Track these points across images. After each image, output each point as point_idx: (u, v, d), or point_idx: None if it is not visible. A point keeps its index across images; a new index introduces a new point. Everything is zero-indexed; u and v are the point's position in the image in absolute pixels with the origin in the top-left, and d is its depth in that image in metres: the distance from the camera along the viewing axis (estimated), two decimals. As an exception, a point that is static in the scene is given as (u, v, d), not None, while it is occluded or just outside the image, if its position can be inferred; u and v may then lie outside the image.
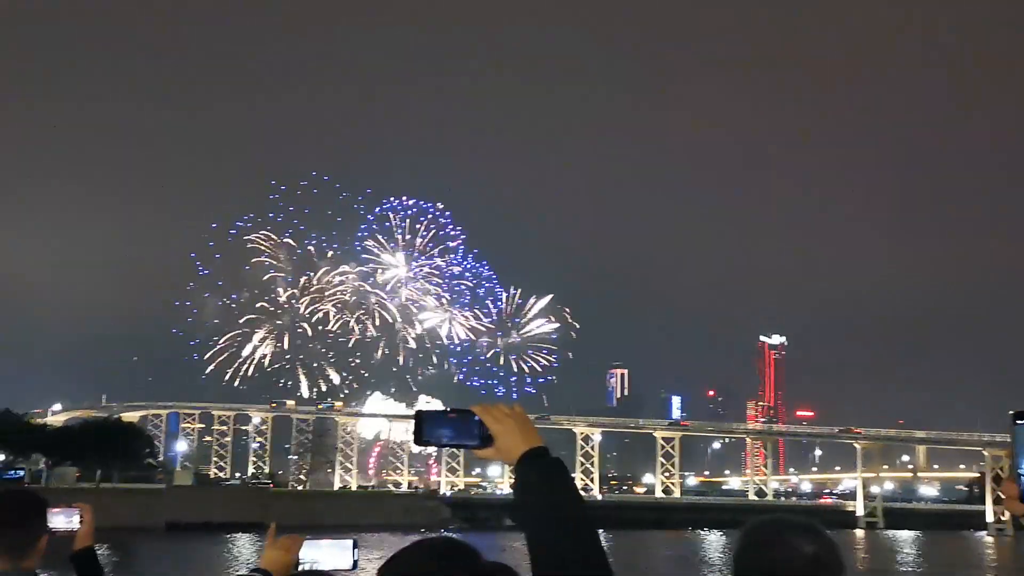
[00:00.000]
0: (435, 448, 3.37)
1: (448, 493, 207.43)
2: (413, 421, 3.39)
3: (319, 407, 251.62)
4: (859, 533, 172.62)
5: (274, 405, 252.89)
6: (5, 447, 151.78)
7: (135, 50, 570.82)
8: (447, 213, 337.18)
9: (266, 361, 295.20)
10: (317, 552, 4.71)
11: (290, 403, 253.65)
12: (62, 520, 5.92)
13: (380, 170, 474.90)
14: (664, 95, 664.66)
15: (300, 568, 4.64)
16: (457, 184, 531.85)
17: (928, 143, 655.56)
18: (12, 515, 5.43)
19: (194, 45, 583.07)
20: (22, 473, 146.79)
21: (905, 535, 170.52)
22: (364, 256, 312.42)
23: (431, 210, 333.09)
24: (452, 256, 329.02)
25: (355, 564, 4.73)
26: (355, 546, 4.77)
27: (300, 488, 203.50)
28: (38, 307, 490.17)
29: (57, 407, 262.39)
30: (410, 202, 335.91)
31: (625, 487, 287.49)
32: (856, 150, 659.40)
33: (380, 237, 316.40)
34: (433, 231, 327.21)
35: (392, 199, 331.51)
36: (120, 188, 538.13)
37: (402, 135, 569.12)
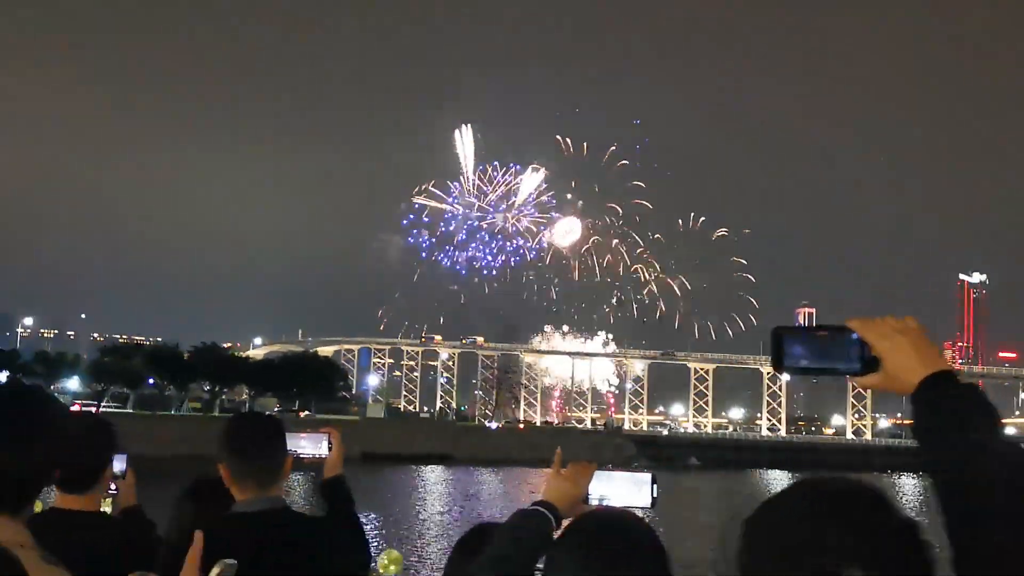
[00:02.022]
0: (791, 376, 2.52)
1: (630, 430, 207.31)
2: (771, 342, 2.46)
3: (463, 341, 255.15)
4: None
5: (423, 339, 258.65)
6: (211, 378, 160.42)
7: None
8: (645, 139, 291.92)
9: (440, 302, 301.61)
10: (609, 486, 3.80)
11: (437, 338, 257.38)
12: (309, 445, 5.17)
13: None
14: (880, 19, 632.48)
15: (589, 503, 3.72)
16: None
17: None
18: (259, 440, 4.71)
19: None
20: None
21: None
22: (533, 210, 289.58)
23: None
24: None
25: (654, 502, 3.78)
26: (654, 481, 3.83)
27: (487, 423, 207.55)
28: (243, 246, 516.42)
29: (258, 341, 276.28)
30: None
31: (813, 428, 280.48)
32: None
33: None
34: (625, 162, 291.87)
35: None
36: (321, 130, 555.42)
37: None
